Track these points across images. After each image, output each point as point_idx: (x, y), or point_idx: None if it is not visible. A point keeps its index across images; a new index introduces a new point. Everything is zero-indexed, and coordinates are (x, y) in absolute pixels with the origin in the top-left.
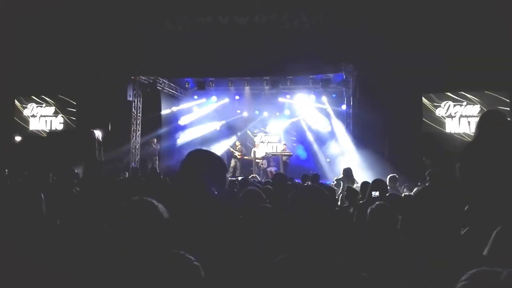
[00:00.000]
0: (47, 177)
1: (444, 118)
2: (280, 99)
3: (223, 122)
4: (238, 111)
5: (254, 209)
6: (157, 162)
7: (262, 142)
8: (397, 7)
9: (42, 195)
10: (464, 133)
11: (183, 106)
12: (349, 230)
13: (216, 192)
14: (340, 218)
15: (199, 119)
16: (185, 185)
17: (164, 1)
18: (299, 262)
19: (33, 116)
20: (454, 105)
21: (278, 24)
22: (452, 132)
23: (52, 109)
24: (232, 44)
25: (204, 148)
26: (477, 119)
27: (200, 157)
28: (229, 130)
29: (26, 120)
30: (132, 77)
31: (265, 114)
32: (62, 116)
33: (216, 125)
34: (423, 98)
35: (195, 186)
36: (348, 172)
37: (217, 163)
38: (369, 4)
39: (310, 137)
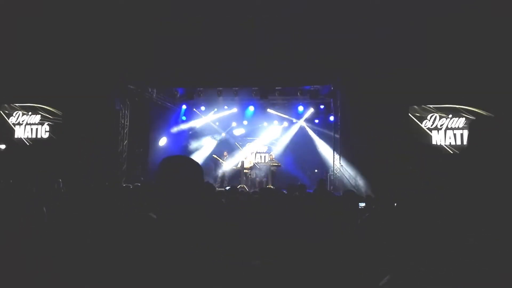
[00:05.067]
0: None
1: (430, 131)
2: (269, 110)
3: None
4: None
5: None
6: (140, 172)
7: (250, 152)
8: (384, 21)
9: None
10: (450, 145)
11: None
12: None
13: (192, 198)
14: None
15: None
16: (162, 193)
17: (152, 11)
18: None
19: (19, 124)
20: (440, 118)
21: (267, 35)
22: (438, 144)
23: (38, 118)
24: (222, 55)
25: (179, 154)
26: (462, 131)
27: (173, 163)
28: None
29: (11, 128)
30: (120, 86)
31: (254, 124)
32: (48, 125)
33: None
34: (410, 111)
35: (171, 193)
36: (322, 183)
37: (192, 168)
38: (357, 18)
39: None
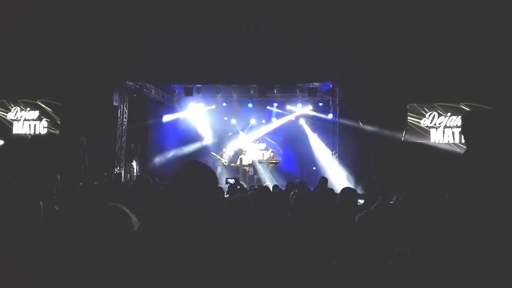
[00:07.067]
0: (27, 182)
1: (429, 128)
2: (268, 107)
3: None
4: (225, 118)
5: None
6: (135, 168)
7: (249, 149)
8: (382, 20)
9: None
10: (448, 143)
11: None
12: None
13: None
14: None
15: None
16: (182, 194)
17: (152, 9)
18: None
19: (17, 120)
20: (439, 116)
21: (265, 32)
22: (436, 142)
23: (36, 113)
24: (220, 52)
25: (197, 160)
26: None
27: (196, 168)
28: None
29: (9, 124)
30: (119, 82)
31: (252, 121)
32: (46, 120)
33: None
34: (408, 109)
35: (192, 195)
36: (323, 181)
37: (212, 175)
38: (356, 17)
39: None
